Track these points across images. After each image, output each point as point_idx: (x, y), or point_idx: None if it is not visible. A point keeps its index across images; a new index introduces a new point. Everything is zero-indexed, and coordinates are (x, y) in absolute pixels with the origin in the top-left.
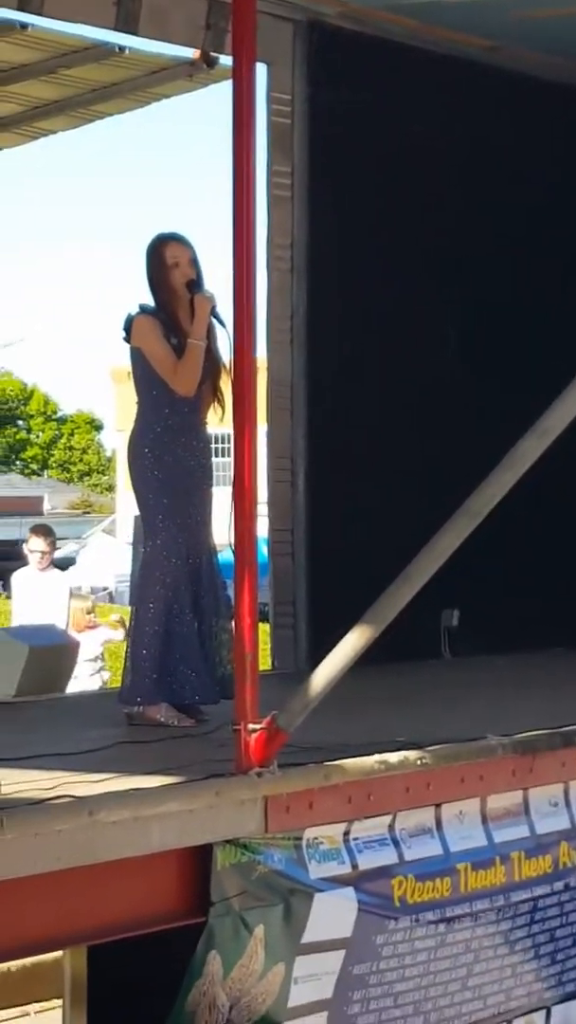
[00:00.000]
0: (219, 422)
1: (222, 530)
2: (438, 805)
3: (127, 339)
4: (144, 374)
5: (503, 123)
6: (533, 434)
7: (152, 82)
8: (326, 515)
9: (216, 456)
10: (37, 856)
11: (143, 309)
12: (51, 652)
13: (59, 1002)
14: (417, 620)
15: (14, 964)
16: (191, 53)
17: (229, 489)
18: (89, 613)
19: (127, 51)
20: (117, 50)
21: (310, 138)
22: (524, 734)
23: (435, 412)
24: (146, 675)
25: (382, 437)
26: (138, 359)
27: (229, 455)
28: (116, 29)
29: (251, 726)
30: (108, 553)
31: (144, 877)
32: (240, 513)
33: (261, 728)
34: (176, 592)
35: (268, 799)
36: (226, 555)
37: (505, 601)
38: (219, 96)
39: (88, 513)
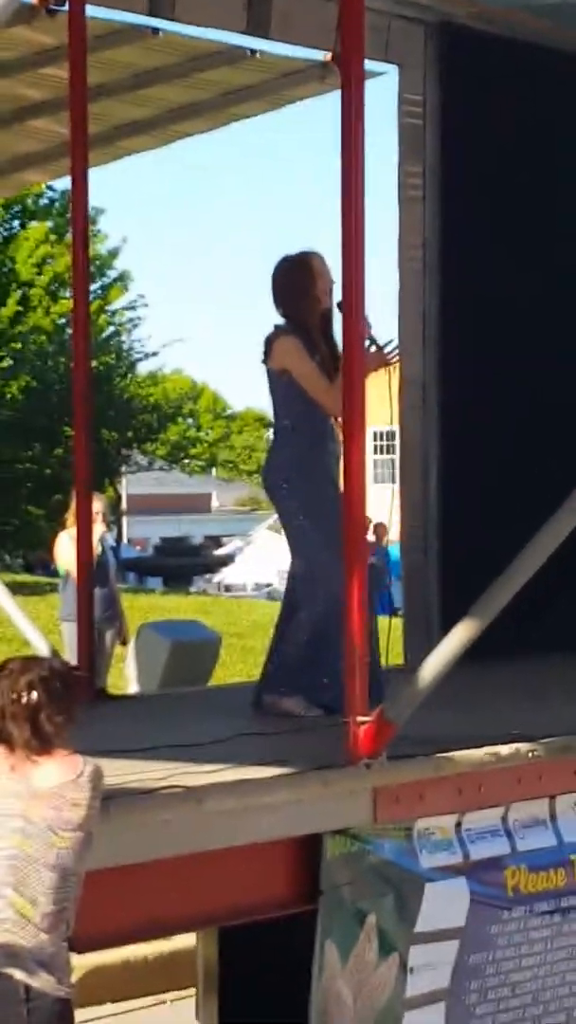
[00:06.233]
0: None
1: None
2: (552, 797)
3: (266, 360)
4: (289, 394)
5: None
6: None
7: (284, 85)
8: (459, 511)
9: (378, 453)
10: (147, 843)
11: (282, 328)
12: (193, 647)
13: (194, 991)
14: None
15: (151, 953)
16: (322, 56)
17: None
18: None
19: (258, 54)
20: (249, 53)
21: (441, 138)
22: None
23: (573, 410)
24: (291, 670)
25: (516, 435)
26: (282, 380)
27: (383, 452)
28: (247, 33)
29: (360, 718)
30: (272, 550)
31: (254, 865)
32: (348, 512)
33: (370, 720)
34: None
35: (377, 790)
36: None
37: None
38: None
39: (256, 511)
